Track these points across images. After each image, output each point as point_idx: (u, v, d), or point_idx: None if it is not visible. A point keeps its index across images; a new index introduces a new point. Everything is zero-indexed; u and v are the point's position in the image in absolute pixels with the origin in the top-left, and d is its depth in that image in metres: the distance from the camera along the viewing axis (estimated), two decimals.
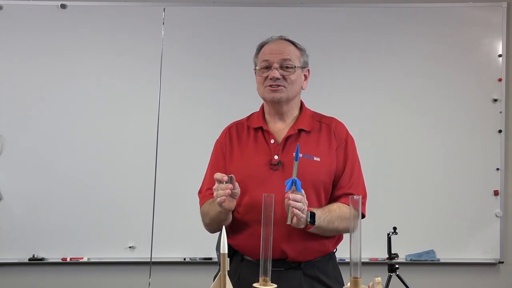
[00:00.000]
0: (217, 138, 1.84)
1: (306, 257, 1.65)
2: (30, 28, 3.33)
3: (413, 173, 3.31)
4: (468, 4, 3.38)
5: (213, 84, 3.34)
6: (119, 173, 3.27)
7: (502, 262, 3.30)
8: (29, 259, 3.22)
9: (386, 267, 2.83)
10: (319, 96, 3.31)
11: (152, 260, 3.23)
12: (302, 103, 1.82)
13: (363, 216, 1.72)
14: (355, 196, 1.68)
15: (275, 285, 1.28)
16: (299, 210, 1.46)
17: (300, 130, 1.72)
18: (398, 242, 2.85)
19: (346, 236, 1.73)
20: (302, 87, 1.77)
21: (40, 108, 3.30)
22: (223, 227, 1.28)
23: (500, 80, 3.33)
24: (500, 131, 3.32)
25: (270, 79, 1.68)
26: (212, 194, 1.59)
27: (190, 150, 3.26)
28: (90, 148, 3.28)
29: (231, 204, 1.55)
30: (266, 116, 1.78)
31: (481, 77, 3.35)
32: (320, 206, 1.66)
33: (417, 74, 3.36)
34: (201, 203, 1.76)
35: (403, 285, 2.80)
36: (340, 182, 1.71)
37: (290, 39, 1.78)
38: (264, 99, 1.75)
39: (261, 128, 1.75)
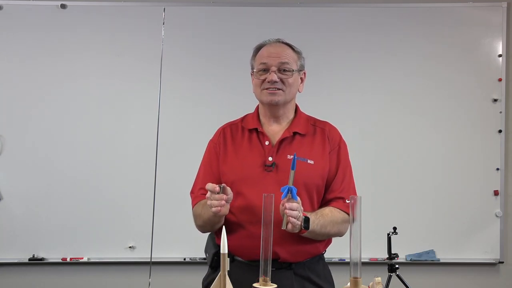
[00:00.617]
0: (211, 137, 1.85)
1: (297, 258, 1.66)
2: (30, 28, 3.33)
3: (413, 173, 3.31)
4: (468, 4, 3.38)
5: (213, 84, 3.34)
6: (119, 173, 3.27)
7: (502, 262, 3.30)
8: (29, 259, 3.22)
9: (386, 267, 2.83)
10: (319, 96, 3.32)
11: (152, 260, 3.23)
12: (297, 107, 1.83)
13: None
14: (347, 200, 1.71)
15: (275, 285, 1.28)
16: (294, 218, 1.48)
17: (295, 133, 1.73)
18: (398, 242, 2.85)
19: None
20: (298, 90, 1.78)
21: (40, 108, 3.30)
22: (223, 227, 1.28)
23: (500, 80, 3.33)
24: (500, 131, 3.32)
25: (268, 82, 1.68)
26: (205, 194, 1.61)
27: (190, 150, 3.24)
28: (90, 148, 3.28)
29: (226, 209, 1.55)
30: (261, 118, 1.79)
31: (481, 77, 3.35)
32: (312, 208, 1.68)
33: (417, 74, 3.36)
34: (194, 203, 1.76)
35: (403, 285, 2.80)
36: (332, 185, 1.73)
37: (287, 41, 1.78)
38: (261, 101, 1.76)
39: (256, 129, 1.75)
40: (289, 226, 1.49)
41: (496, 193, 3.29)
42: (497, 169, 3.30)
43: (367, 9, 3.40)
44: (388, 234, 2.83)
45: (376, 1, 3.41)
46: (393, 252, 2.83)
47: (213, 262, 1.73)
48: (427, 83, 3.35)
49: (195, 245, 3.21)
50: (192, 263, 3.26)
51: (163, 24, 3.36)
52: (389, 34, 3.38)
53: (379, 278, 1.30)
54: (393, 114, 3.35)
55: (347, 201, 1.72)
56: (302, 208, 1.53)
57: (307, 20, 3.38)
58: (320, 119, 1.85)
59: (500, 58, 3.35)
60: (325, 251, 1.78)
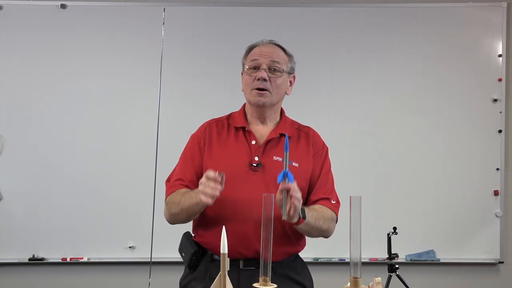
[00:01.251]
0: (194, 132, 1.84)
1: (277, 258, 1.64)
2: (30, 28, 3.33)
3: (413, 173, 3.31)
4: (468, 4, 3.38)
5: (213, 84, 3.34)
6: (119, 173, 3.27)
7: (502, 262, 3.30)
8: (29, 259, 3.22)
9: (386, 267, 2.83)
10: (319, 96, 3.32)
11: (152, 260, 3.23)
12: (282, 110, 1.85)
13: (336, 221, 1.78)
14: (332, 201, 1.73)
15: (275, 285, 1.28)
16: (298, 200, 1.46)
17: (281, 135, 1.75)
18: (398, 242, 2.85)
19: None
20: (286, 93, 1.80)
21: (40, 108, 3.30)
22: (223, 227, 1.27)
23: (500, 80, 3.33)
24: (500, 131, 3.32)
25: (258, 79, 1.69)
26: (181, 184, 1.64)
27: None
28: (90, 148, 3.28)
29: (213, 200, 1.53)
30: (248, 117, 1.80)
31: (481, 77, 3.35)
32: None
33: (417, 74, 3.36)
34: (169, 192, 1.76)
35: (403, 285, 2.80)
36: (316, 187, 1.74)
37: (280, 43, 1.80)
38: (249, 101, 1.77)
39: (243, 128, 1.76)
40: (292, 211, 1.46)
41: (496, 193, 3.29)
42: (497, 169, 3.30)
43: (367, 9, 3.40)
44: (388, 234, 2.83)
45: (376, 1, 3.41)
46: (393, 252, 2.83)
47: (191, 262, 1.72)
48: (427, 83, 3.35)
49: None
50: None
51: (163, 24, 3.36)
52: (389, 34, 3.38)
53: (379, 278, 1.29)
54: (393, 114, 3.35)
55: (332, 202, 1.75)
56: (301, 193, 1.51)
57: (307, 20, 3.38)
58: (303, 124, 1.87)
59: (500, 58, 3.35)
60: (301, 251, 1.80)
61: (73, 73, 3.32)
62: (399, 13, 3.39)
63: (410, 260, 3.25)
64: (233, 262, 1.58)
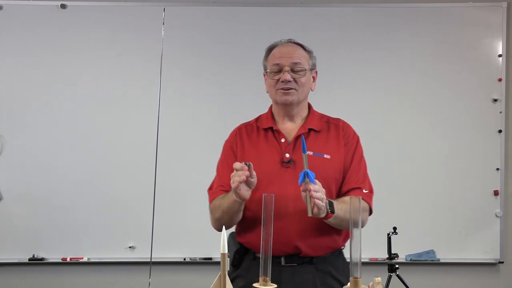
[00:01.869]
0: (227, 138, 1.87)
1: (318, 253, 1.69)
2: (30, 28, 3.33)
3: (413, 173, 3.31)
4: (468, 4, 3.38)
5: (213, 84, 3.34)
6: (119, 173, 3.27)
7: (502, 262, 3.30)
8: (29, 259, 3.22)
9: (386, 267, 2.83)
10: (319, 95, 3.31)
11: (152, 260, 3.23)
12: (310, 105, 1.89)
13: (371, 212, 1.79)
14: (364, 190, 1.74)
15: (275, 285, 1.28)
16: (319, 200, 1.48)
17: (310, 130, 1.78)
18: (398, 242, 2.85)
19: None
20: (310, 89, 1.84)
21: (40, 108, 3.30)
22: (223, 227, 1.28)
23: (500, 80, 3.33)
24: (500, 131, 3.32)
25: (282, 81, 1.72)
26: (222, 190, 1.66)
27: (190, 150, 3.27)
28: (90, 148, 3.28)
29: (247, 193, 1.57)
30: (276, 117, 1.83)
31: (481, 77, 3.34)
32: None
33: (417, 74, 3.36)
34: (211, 199, 1.78)
35: (403, 285, 2.80)
36: (347, 176, 1.76)
37: (298, 41, 1.82)
38: (275, 101, 1.80)
39: (271, 128, 1.80)
40: (315, 209, 1.49)
41: (496, 193, 3.29)
42: (497, 169, 3.30)
43: (367, 9, 3.40)
44: (388, 234, 2.83)
45: (376, 1, 3.41)
46: (393, 252, 2.82)
47: (234, 260, 1.76)
48: (427, 83, 3.35)
49: (195, 245, 3.22)
50: (192, 263, 3.25)
51: (163, 24, 3.36)
52: (388, 34, 3.38)
53: (379, 278, 1.29)
54: (393, 114, 3.35)
55: (364, 191, 1.75)
56: (324, 190, 1.53)
57: (307, 20, 3.38)
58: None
59: (500, 58, 3.35)
60: (344, 246, 1.80)
61: (73, 73, 3.32)
62: (399, 13, 3.39)
63: (410, 260, 3.25)
64: (275, 259, 1.57)
